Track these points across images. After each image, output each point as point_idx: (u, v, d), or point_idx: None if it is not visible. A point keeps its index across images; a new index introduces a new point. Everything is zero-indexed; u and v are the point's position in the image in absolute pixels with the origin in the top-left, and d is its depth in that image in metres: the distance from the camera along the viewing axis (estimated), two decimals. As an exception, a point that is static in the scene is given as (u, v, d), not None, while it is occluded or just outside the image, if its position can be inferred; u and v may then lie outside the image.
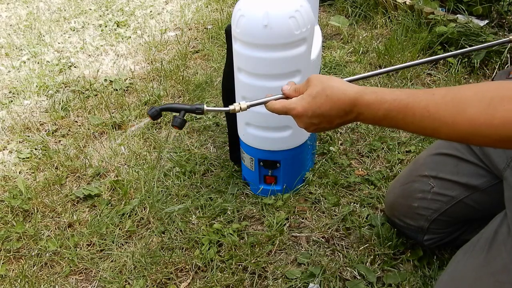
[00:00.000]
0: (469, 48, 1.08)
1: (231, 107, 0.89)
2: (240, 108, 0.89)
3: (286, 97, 0.87)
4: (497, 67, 1.90)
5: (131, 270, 1.19)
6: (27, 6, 3.19)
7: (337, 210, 1.33)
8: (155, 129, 1.77)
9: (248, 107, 0.90)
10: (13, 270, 1.23)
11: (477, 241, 0.84)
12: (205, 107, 0.88)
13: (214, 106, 0.82)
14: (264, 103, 0.90)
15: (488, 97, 0.60)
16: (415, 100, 0.68)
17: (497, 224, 0.83)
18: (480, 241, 0.83)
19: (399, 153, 1.53)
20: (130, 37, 2.62)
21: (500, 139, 0.60)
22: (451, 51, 2.02)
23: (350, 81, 0.84)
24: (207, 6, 2.94)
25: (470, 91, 0.63)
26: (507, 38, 1.00)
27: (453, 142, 0.68)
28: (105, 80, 2.15)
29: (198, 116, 1.80)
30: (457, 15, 2.17)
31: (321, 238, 1.25)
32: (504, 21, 2.11)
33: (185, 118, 0.89)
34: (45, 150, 1.69)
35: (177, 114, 0.88)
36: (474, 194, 0.99)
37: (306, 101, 0.80)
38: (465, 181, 0.99)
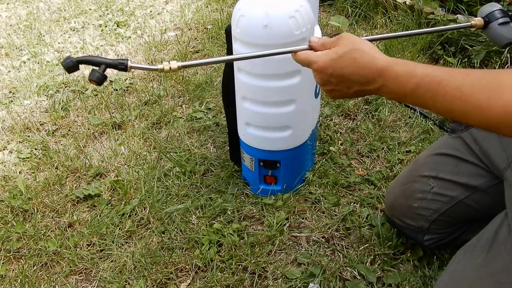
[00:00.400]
0: (435, 28, 1.02)
1: (159, 66, 0.80)
2: (170, 68, 0.80)
3: (311, 49, 0.83)
4: (497, 67, 1.90)
5: (131, 270, 1.19)
6: (27, 6, 3.19)
7: (337, 210, 1.33)
8: (155, 129, 1.77)
9: (179, 68, 0.80)
10: (13, 270, 1.23)
11: (477, 241, 0.84)
12: (130, 63, 0.79)
13: (140, 64, 0.73)
14: (271, 54, 0.84)
15: None
16: (449, 78, 0.63)
17: (497, 224, 0.82)
18: (480, 241, 0.83)
19: (399, 153, 1.53)
20: (130, 37, 2.62)
21: None
22: (451, 51, 2.03)
23: (370, 40, 0.79)
24: (207, 6, 2.94)
25: (509, 77, 0.59)
26: (469, 23, 0.95)
27: (483, 129, 0.65)
28: (105, 80, 2.15)
29: (198, 116, 1.80)
30: (457, 15, 2.17)
31: (321, 238, 1.25)
32: (504, 21, 2.10)
33: (105, 74, 0.78)
34: (45, 150, 1.69)
35: (97, 68, 0.79)
36: (474, 194, 0.99)
37: (330, 58, 0.75)
38: (465, 181, 0.99)
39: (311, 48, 0.83)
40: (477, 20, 0.94)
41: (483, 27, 0.95)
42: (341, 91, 0.77)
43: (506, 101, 0.57)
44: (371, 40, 0.80)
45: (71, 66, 0.77)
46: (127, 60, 0.79)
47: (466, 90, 0.61)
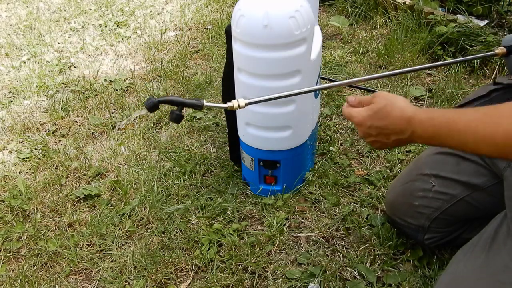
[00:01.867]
0: (462, 58, 1.11)
1: (229, 104, 0.90)
2: (238, 105, 0.90)
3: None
4: (497, 67, 1.90)
5: (131, 270, 1.19)
6: (27, 6, 3.19)
7: (337, 210, 1.33)
8: (155, 129, 1.77)
9: (246, 105, 0.90)
10: (13, 270, 1.23)
11: (478, 241, 0.84)
12: (204, 103, 0.89)
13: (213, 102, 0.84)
14: (268, 100, 0.93)
15: None
16: (460, 116, 0.72)
17: (497, 224, 0.83)
18: (480, 241, 0.83)
19: (399, 153, 1.53)
20: (130, 37, 2.62)
21: None
22: (451, 51, 2.03)
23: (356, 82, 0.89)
24: (207, 6, 2.94)
25: (508, 106, 0.66)
26: (493, 52, 1.02)
27: (496, 158, 0.78)
28: (105, 80, 2.15)
29: (198, 116, 1.80)
30: (457, 15, 2.17)
31: (321, 238, 1.25)
32: (504, 21, 2.11)
33: (182, 113, 0.88)
34: (45, 150, 1.69)
35: (175, 108, 0.87)
36: (475, 192, 0.99)
37: (367, 114, 0.85)
38: (466, 180, 0.99)
39: (349, 105, 0.93)
40: (500, 49, 1.02)
41: (505, 55, 1.03)
42: (381, 141, 0.86)
43: (505, 127, 0.64)
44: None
45: (152, 106, 0.85)
46: (202, 100, 0.89)
47: (473, 123, 0.69)
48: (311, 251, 1.22)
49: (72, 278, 1.20)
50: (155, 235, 1.29)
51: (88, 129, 1.79)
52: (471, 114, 0.71)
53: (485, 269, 0.79)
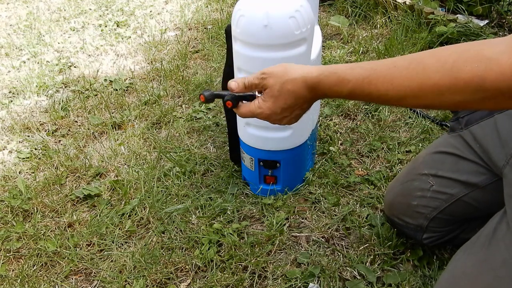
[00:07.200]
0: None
1: None
2: None
3: (236, 95, 0.87)
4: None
5: (131, 270, 1.19)
6: (27, 6, 3.20)
7: (337, 210, 1.33)
8: (155, 129, 1.77)
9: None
10: (13, 270, 1.23)
11: (477, 239, 0.84)
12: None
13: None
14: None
15: (451, 61, 0.62)
16: (378, 75, 0.69)
17: (497, 221, 0.83)
18: (479, 238, 0.84)
19: (399, 153, 1.53)
20: (130, 37, 2.62)
21: (464, 101, 0.62)
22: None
23: None
24: (207, 6, 2.94)
25: (432, 58, 0.64)
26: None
27: (419, 107, 0.75)
28: (105, 80, 2.15)
29: (198, 116, 1.80)
30: (457, 15, 2.17)
31: (321, 238, 1.25)
32: (504, 21, 2.11)
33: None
34: (45, 150, 1.69)
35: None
36: (474, 192, 0.99)
37: (270, 102, 0.81)
38: (465, 179, 0.99)
39: (236, 92, 0.86)
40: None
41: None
42: (298, 114, 0.84)
43: (434, 81, 0.62)
44: None
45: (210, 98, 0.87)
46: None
47: (396, 81, 0.67)
48: (311, 251, 1.22)
49: (72, 278, 1.20)
50: (155, 235, 1.29)
51: (88, 129, 1.79)
52: (391, 71, 0.68)
53: (484, 264, 0.79)
